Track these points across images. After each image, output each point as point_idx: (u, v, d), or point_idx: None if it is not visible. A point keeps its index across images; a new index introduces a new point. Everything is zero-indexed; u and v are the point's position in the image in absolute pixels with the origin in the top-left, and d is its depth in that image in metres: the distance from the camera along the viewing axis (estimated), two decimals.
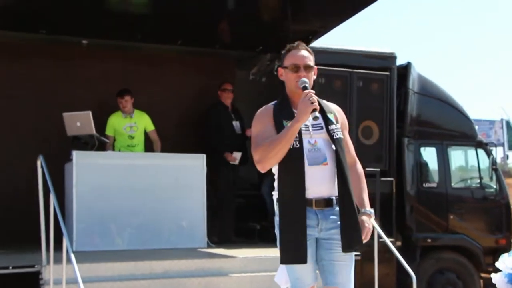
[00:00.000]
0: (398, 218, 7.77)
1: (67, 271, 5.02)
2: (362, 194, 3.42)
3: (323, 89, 7.49)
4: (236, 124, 7.59)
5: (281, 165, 3.25)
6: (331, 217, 3.28)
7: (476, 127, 9.31)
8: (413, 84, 8.17)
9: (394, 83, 7.92)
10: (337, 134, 3.30)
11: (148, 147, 7.41)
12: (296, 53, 3.39)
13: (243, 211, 8.40)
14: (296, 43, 3.45)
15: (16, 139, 7.21)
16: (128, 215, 6.56)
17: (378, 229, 5.76)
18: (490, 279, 9.98)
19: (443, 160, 8.31)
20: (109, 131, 7.24)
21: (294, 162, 3.21)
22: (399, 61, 8.09)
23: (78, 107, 6.84)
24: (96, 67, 7.61)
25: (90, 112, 6.61)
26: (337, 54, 7.90)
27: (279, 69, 3.46)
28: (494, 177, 8.58)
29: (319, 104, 3.27)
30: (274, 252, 6.28)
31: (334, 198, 3.28)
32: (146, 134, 7.42)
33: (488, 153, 8.67)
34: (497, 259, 10.51)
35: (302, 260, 3.19)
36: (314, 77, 3.43)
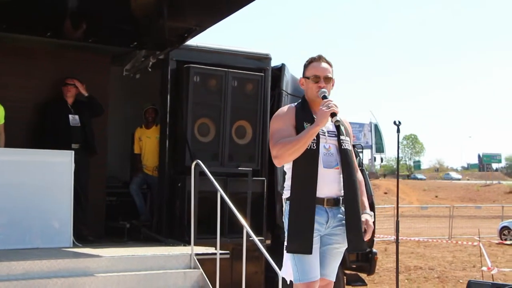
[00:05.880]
0: (269, 217, 7.88)
1: None
2: (363, 197, 3.78)
3: (197, 87, 7.46)
4: (73, 117, 7.35)
5: (297, 164, 3.58)
6: (338, 215, 3.66)
7: None
8: (286, 85, 8.32)
9: (268, 84, 8.04)
10: (345, 145, 3.69)
11: None
12: (317, 65, 3.74)
13: (113, 209, 8.21)
14: (317, 55, 3.79)
15: None
16: None
17: (247, 228, 5.81)
18: (354, 275, 10.44)
19: None
20: None
21: (310, 163, 3.56)
22: (275, 63, 8.25)
23: None
24: None
25: None
26: (213, 53, 7.89)
27: (301, 79, 3.80)
28: None
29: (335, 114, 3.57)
30: (143, 251, 6.19)
31: (340, 198, 3.66)
32: None
33: (356, 155, 9.03)
34: (360, 257, 10.96)
35: (308, 250, 3.51)
36: (333, 87, 3.80)
